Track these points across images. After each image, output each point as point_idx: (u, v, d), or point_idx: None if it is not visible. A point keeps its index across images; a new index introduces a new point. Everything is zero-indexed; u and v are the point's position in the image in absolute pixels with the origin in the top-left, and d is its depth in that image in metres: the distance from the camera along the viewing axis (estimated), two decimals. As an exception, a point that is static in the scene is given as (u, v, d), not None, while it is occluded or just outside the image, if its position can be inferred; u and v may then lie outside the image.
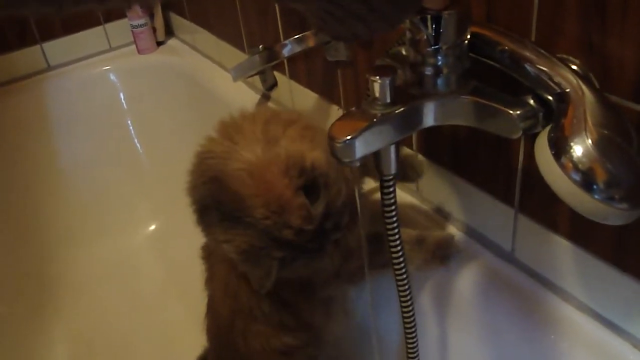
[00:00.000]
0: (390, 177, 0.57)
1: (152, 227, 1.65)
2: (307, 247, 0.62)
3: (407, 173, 0.82)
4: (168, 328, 1.34)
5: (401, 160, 0.76)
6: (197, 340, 0.93)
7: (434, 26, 0.53)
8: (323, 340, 0.83)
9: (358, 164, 0.51)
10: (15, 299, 1.37)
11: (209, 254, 0.85)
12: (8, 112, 1.50)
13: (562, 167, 0.47)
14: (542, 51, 0.53)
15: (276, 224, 0.59)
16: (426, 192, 0.87)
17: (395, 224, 0.60)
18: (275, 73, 1.16)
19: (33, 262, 1.47)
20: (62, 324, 1.39)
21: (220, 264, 0.81)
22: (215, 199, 0.64)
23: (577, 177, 0.47)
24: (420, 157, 0.84)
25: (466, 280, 0.77)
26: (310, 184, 0.59)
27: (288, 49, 0.91)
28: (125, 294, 1.47)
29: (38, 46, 1.57)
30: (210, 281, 0.85)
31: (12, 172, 1.50)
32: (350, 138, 0.50)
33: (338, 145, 0.51)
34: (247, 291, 0.75)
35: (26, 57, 1.57)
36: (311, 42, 0.90)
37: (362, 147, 0.51)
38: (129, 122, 1.64)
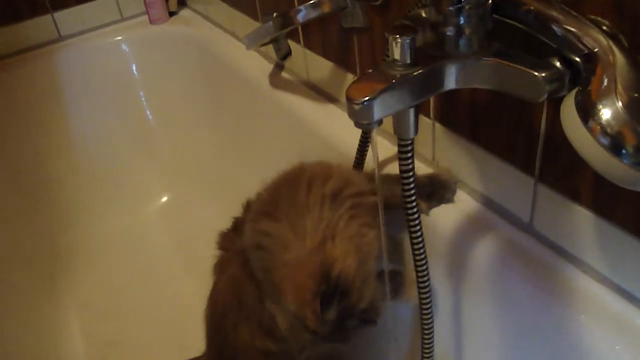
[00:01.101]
0: (409, 141, 0.55)
1: (164, 198, 1.65)
2: (331, 337, 0.69)
3: (441, 194, 0.83)
4: (177, 299, 1.34)
5: (431, 180, 0.82)
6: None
7: (456, -15, 0.51)
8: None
9: (376, 126, 0.49)
10: (27, 268, 1.38)
11: (225, 243, 0.87)
12: (19, 82, 1.49)
13: (590, 130, 0.46)
14: (570, 11, 0.51)
15: (299, 319, 0.67)
16: (442, 162, 0.85)
17: (412, 191, 0.58)
18: (289, 42, 1.14)
19: (45, 232, 1.47)
20: (73, 293, 1.39)
21: (235, 258, 0.84)
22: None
23: (605, 141, 0.45)
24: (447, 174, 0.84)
25: (483, 252, 0.75)
26: (332, 290, 0.65)
27: (302, 15, 0.89)
28: (135, 264, 1.47)
29: (49, 16, 1.56)
30: (219, 268, 0.88)
31: (24, 143, 1.49)
32: (369, 99, 0.49)
33: (356, 107, 0.49)
34: (253, 296, 0.80)
35: (37, 27, 1.55)
36: (326, 8, 0.87)
37: (380, 109, 0.49)
38: (141, 92, 1.63)
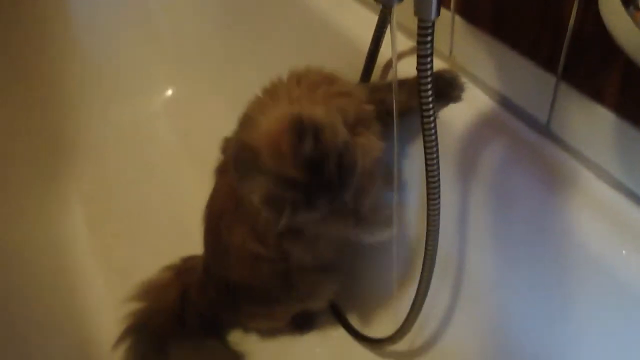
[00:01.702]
0: (429, 23, 0.51)
1: (169, 92, 1.61)
2: (313, 192, 0.68)
3: (448, 92, 0.80)
4: (181, 193, 1.33)
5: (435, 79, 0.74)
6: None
7: None
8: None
9: (397, 2, 0.45)
10: (31, 162, 1.36)
11: (228, 149, 0.86)
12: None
13: (632, 16, 0.42)
14: None
15: (278, 177, 0.67)
16: (460, 58, 0.81)
17: (429, 79, 0.55)
18: None
19: (49, 126, 1.44)
20: (77, 186, 1.39)
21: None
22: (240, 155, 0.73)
23: (647, 27, 0.41)
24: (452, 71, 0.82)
25: (496, 152, 0.73)
26: (304, 127, 0.67)
27: None
28: (139, 158, 1.45)
29: None
30: (220, 172, 0.89)
31: (28, 36, 1.44)
32: (391, -28, 0.45)
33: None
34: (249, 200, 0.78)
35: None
36: None
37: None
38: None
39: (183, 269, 1.02)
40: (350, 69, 0.92)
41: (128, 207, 1.35)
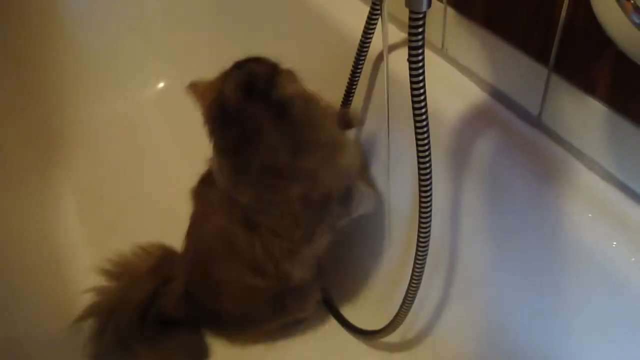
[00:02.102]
0: (421, 15, 0.51)
1: (161, 84, 1.60)
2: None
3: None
4: (173, 185, 1.32)
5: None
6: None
7: None
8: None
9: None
10: (24, 152, 1.35)
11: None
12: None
13: (623, 7, 0.42)
14: None
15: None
16: (452, 50, 0.81)
17: (421, 71, 0.55)
18: None
19: (41, 116, 1.44)
20: (69, 177, 1.38)
21: (218, 210, 0.85)
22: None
23: (638, 19, 0.41)
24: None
25: (487, 144, 0.73)
26: None
27: None
28: (131, 150, 1.45)
29: None
30: (198, 197, 0.92)
31: (20, 26, 1.43)
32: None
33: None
34: (243, 239, 0.81)
35: None
36: None
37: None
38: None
39: (162, 261, 1.00)
40: (341, 61, 0.92)
41: (120, 197, 1.34)
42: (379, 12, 0.75)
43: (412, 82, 0.56)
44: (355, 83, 0.88)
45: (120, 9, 1.54)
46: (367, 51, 0.83)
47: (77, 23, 1.51)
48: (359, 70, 0.86)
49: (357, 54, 0.85)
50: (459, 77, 0.80)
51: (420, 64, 0.55)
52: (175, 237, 1.03)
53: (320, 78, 1.06)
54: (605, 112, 0.62)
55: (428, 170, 0.66)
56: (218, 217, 0.85)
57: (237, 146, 0.73)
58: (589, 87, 0.63)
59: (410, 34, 0.53)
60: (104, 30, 1.53)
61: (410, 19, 0.52)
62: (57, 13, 1.48)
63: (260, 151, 0.71)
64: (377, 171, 0.96)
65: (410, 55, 0.54)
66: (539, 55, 0.67)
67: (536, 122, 0.72)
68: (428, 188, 0.68)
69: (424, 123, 0.62)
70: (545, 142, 0.70)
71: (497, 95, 0.76)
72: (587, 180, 0.67)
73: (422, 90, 0.57)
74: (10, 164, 1.30)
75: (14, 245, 1.13)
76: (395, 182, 0.90)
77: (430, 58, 0.82)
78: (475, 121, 0.75)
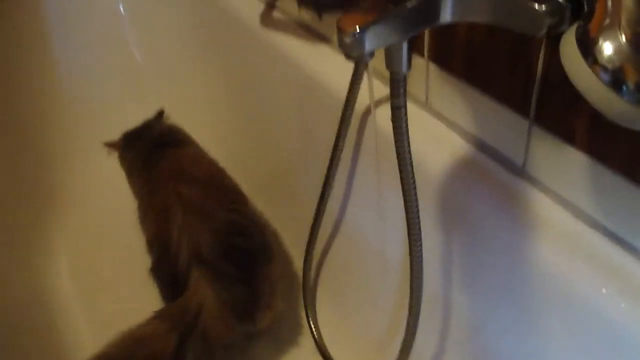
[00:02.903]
0: (401, 76, 0.53)
1: (152, 142, 1.62)
2: None
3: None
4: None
5: None
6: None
7: None
8: None
9: (368, 59, 0.47)
10: (16, 210, 1.36)
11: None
12: (5, 16, 1.44)
13: (591, 66, 0.44)
14: (574, -62, 0.48)
15: None
16: (436, 104, 0.83)
17: (404, 129, 0.57)
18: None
19: (33, 173, 1.45)
20: (62, 235, 1.38)
21: None
22: None
23: (606, 77, 0.43)
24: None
25: (474, 195, 0.74)
26: None
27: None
28: (122, 206, 1.45)
29: (31, -51, 1.49)
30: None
31: (12, 81, 1.46)
32: (360, 31, 0.46)
33: (346, 38, 0.46)
34: None
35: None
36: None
37: (371, 41, 0.47)
38: (128, 31, 1.58)
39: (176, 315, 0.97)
40: (328, 116, 0.94)
41: (112, 256, 1.34)
42: (362, 69, 0.77)
43: (396, 140, 0.58)
44: (342, 136, 0.90)
45: (109, 65, 1.58)
46: (353, 107, 0.85)
47: (67, 77, 1.54)
48: (346, 127, 0.88)
49: (343, 110, 0.87)
50: (443, 129, 0.81)
51: (403, 123, 0.56)
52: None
53: (306, 132, 1.09)
54: (586, 160, 0.63)
55: (416, 222, 0.67)
56: None
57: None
58: (569, 137, 0.64)
59: (392, 95, 0.55)
60: (93, 86, 1.57)
61: (392, 80, 0.54)
62: (46, 66, 1.51)
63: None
64: (369, 222, 0.97)
65: (393, 115, 0.56)
66: (520, 107, 0.68)
67: (521, 171, 0.73)
68: (417, 239, 0.69)
69: (410, 176, 0.63)
70: (531, 191, 0.71)
71: (481, 146, 0.77)
72: (574, 228, 0.67)
73: (405, 149, 0.58)
74: (2, 223, 1.30)
75: (5, 306, 1.12)
76: (387, 233, 0.91)
77: (415, 111, 0.84)
78: (461, 172, 0.76)
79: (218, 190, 1.11)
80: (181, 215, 1.01)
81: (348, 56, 0.47)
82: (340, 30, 0.47)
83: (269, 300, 0.99)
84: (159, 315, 0.95)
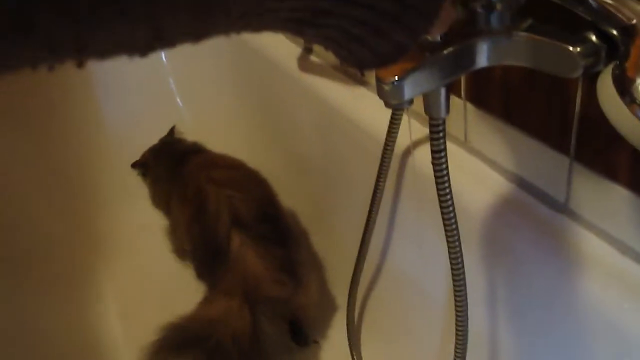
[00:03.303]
0: (440, 121, 0.55)
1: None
2: None
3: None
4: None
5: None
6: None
7: (485, -39, 0.50)
8: None
9: (407, 105, 0.49)
10: (66, 256, 1.40)
11: None
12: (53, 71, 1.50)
13: (628, 105, 0.44)
14: (606, -18, 0.49)
15: None
16: (475, 143, 0.84)
17: (445, 172, 0.58)
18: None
19: (82, 220, 1.49)
20: (111, 280, 1.41)
21: None
22: None
23: (644, 116, 0.44)
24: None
25: (517, 233, 0.74)
26: None
27: None
28: (169, 252, 1.48)
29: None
30: None
31: (60, 132, 1.52)
32: (399, 79, 0.48)
33: (386, 87, 0.48)
34: None
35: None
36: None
37: (410, 89, 0.49)
38: (171, 79, 1.64)
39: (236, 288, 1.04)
40: (368, 157, 0.95)
41: (161, 299, 1.36)
42: (401, 112, 0.79)
43: (437, 182, 0.59)
44: (383, 177, 0.91)
45: (151, 113, 1.64)
46: (392, 147, 0.87)
47: (112, 127, 1.60)
48: (385, 165, 0.89)
49: (383, 150, 0.88)
50: (483, 168, 0.82)
51: (444, 165, 0.57)
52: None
53: (346, 174, 1.10)
54: (630, 196, 0.63)
55: (459, 261, 0.67)
56: None
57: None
58: (610, 173, 0.64)
59: (432, 139, 0.56)
60: (137, 133, 1.61)
61: (431, 124, 0.55)
62: (93, 117, 1.58)
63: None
64: (411, 260, 0.97)
65: (433, 158, 0.57)
66: (559, 145, 0.69)
67: (563, 208, 0.73)
68: (461, 277, 0.69)
69: (452, 217, 0.64)
70: (574, 227, 0.71)
71: (522, 184, 0.78)
72: (619, 264, 0.67)
73: (447, 190, 0.59)
74: (55, 264, 1.34)
75: (56, 347, 1.15)
76: (431, 271, 0.91)
77: (455, 151, 0.85)
78: (503, 210, 0.76)
79: (245, 173, 1.24)
80: (215, 190, 1.12)
81: (388, 104, 0.49)
82: (380, 79, 0.48)
83: (304, 275, 1.07)
84: (219, 292, 1.03)
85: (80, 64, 0.24)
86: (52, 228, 1.43)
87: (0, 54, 0.21)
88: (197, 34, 0.28)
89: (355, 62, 0.38)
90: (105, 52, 0.25)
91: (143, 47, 0.26)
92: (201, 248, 1.13)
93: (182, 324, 1.00)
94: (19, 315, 1.17)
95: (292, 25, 0.33)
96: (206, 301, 1.05)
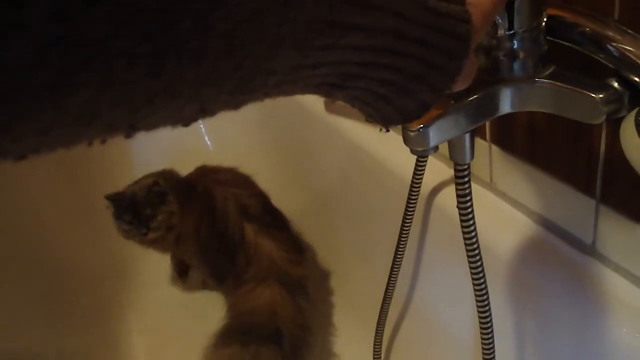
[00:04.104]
0: (465, 166, 0.56)
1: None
2: None
3: None
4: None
5: None
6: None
7: (507, 10, 0.51)
8: None
9: (432, 152, 0.50)
10: (95, 291, 1.42)
11: None
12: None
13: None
14: (627, 30, 0.50)
15: None
16: (500, 184, 0.84)
17: (471, 215, 0.58)
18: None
19: (110, 257, 1.52)
20: (138, 315, 1.43)
21: None
22: None
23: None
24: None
25: (544, 275, 0.74)
26: None
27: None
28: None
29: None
30: None
31: (88, 168, 1.56)
32: (424, 127, 0.49)
33: (411, 134, 0.50)
34: None
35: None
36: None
37: (436, 136, 0.50)
38: (200, 122, 1.67)
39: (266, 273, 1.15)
40: (393, 198, 0.96)
41: (187, 334, 1.37)
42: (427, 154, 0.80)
43: (462, 225, 0.59)
44: (409, 218, 0.92)
45: (181, 153, 1.66)
46: (418, 188, 0.88)
47: (142, 166, 1.62)
48: (411, 207, 0.90)
49: (409, 191, 0.89)
50: (509, 209, 0.82)
51: (469, 209, 0.58)
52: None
53: (371, 215, 1.11)
54: (658, 239, 0.63)
55: (486, 303, 0.67)
56: None
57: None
58: (637, 216, 0.64)
59: (457, 183, 0.57)
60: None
61: (456, 169, 0.56)
62: (122, 157, 1.62)
63: None
64: (438, 302, 0.97)
65: (459, 202, 0.58)
66: (585, 187, 0.69)
67: (590, 250, 0.73)
68: (488, 319, 0.69)
69: (478, 259, 0.64)
70: (602, 269, 0.71)
71: (548, 226, 0.78)
72: (650, 307, 0.66)
73: (473, 232, 0.60)
74: (82, 303, 1.36)
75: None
76: (457, 314, 0.91)
77: (480, 192, 0.86)
78: (529, 251, 0.76)
79: (241, 174, 1.34)
80: (222, 190, 1.22)
81: (413, 151, 0.50)
82: (405, 127, 0.50)
83: (303, 250, 1.25)
84: (251, 281, 1.12)
85: (128, 136, 0.26)
86: (82, 259, 1.45)
87: (63, 138, 0.24)
88: (237, 105, 0.31)
89: (381, 119, 0.40)
90: (153, 126, 0.27)
91: (188, 120, 0.28)
92: (214, 247, 1.20)
93: (241, 318, 1.10)
94: (45, 342, 1.19)
95: (323, 89, 0.35)
96: (244, 292, 1.12)
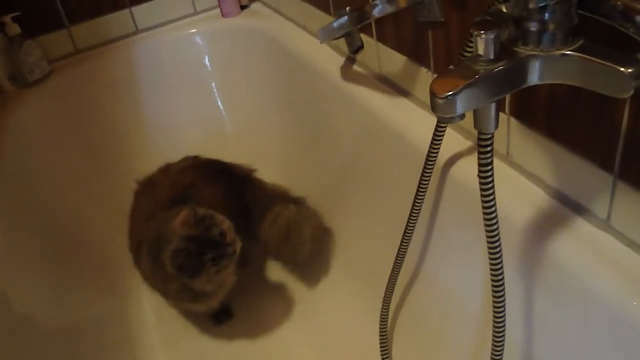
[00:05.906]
0: (489, 135, 0.56)
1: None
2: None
3: None
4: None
5: None
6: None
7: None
8: None
9: (459, 120, 0.50)
10: (103, 249, 1.43)
11: None
12: (100, 72, 1.56)
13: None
14: (659, 5, 0.50)
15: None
16: (517, 157, 0.85)
17: (491, 185, 0.59)
18: (362, 35, 1.15)
19: (120, 215, 1.53)
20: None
21: None
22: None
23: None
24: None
25: (558, 248, 0.75)
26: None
27: (378, 9, 0.90)
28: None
29: (127, 10, 1.63)
30: None
31: (105, 130, 1.57)
32: (452, 94, 0.50)
33: (440, 101, 0.50)
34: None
35: (116, 21, 1.62)
36: (403, 2, 0.88)
37: (463, 104, 0.50)
38: (213, 84, 1.68)
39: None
40: (409, 167, 0.97)
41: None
42: (445, 125, 0.81)
43: (482, 195, 0.60)
44: (423, 188, 0.92)
45: (194, 118, 1.67)
46: (435, 158, 0.88)
47: (154, 130, 1.65)
48: (427, 177, 0.90)
49: (425, 161, 0.90)
50: (525, 182, 0.83)
51: (490, 179, 0.59)
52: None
53: (388, 183, 1.12)
54: (674, 216, 0.64)
55: (500, 273, 0.68)
56: None
57: None
58: (655, 193, 0.65)
59: (479, 152, 0.58)
60: (179, 139, 1.66)
61: (479, 138, 0.57)
62: (137, 117, 1.62)
63: None
64: (449, 272, 0.98)
65: (480, 171, 0.59)
66: (603, 162, 0.70)
67: (605, 225, 0.74)
68: (501, 290, 0.70)
69: (495, 229, 0.65)
70: (617, 245, 0.72)
71: (564, 200, 0.78)
72: (662, 282, 0.67)
73: (492, 202, 0.61)
74: (92, 260, 1.38)
75: (93, 343, 1.19)
76: (468, 285, 0.92)
77: (497, 164, 0.85)
78: (544, 225, 0.77)
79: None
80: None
81: (441, 118, 0.51)
82: (434, 94, 0.50)
83: None
84: (275, 206, 1.29)
85: None
86: (92, 217, 1.47)
87: None
88: None
89: None
90: None
91: None
92: (232, 203, 1.29)
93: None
94: (62, 304, 1.21)
95: None
96: (278, 209, 1.28)
